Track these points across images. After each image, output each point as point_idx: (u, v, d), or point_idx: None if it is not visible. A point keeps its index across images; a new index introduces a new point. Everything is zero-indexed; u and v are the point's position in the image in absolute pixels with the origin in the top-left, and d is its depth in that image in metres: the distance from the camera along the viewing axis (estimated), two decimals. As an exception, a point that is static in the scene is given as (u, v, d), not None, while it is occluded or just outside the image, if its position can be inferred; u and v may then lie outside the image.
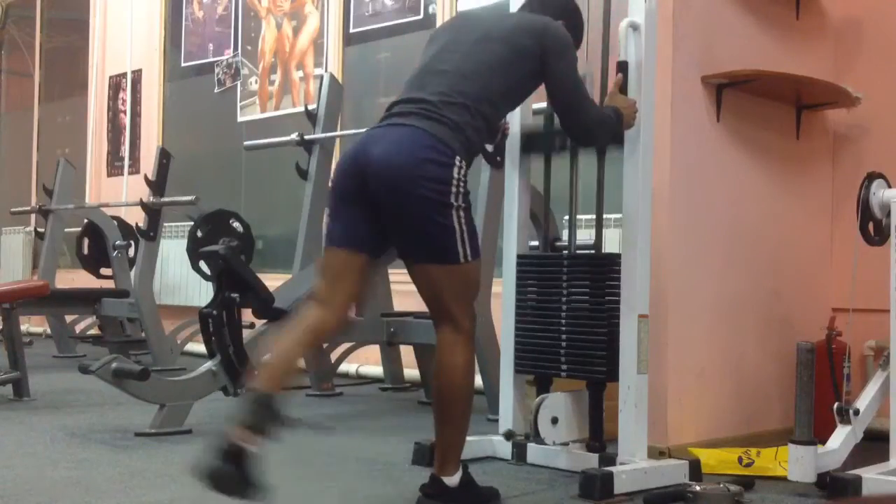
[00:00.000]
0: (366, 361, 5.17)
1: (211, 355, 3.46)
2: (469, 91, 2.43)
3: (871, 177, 2.95)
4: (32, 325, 7.75)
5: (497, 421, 3.12)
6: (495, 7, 2.93)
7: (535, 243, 3.14)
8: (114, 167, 7.72)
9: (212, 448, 2.11)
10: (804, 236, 3.74)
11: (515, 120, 3.03)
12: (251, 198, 6.50)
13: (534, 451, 2.99)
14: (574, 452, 2.88)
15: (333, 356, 4.78)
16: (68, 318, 6.46)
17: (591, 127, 2.62)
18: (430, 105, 2.40)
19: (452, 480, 2.44)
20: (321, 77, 4.98)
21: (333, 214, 2.48)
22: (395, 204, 2.35)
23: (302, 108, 5.02)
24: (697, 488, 2.58)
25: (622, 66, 2.81)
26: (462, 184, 2.37)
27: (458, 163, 2.36)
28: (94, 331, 6.45)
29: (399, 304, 4.53)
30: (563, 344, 2.90)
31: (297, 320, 2.41)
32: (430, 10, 5.40)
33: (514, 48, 2.50)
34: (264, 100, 6.47)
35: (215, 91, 6.80)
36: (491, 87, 2.47)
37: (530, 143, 3.07)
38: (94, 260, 6.31)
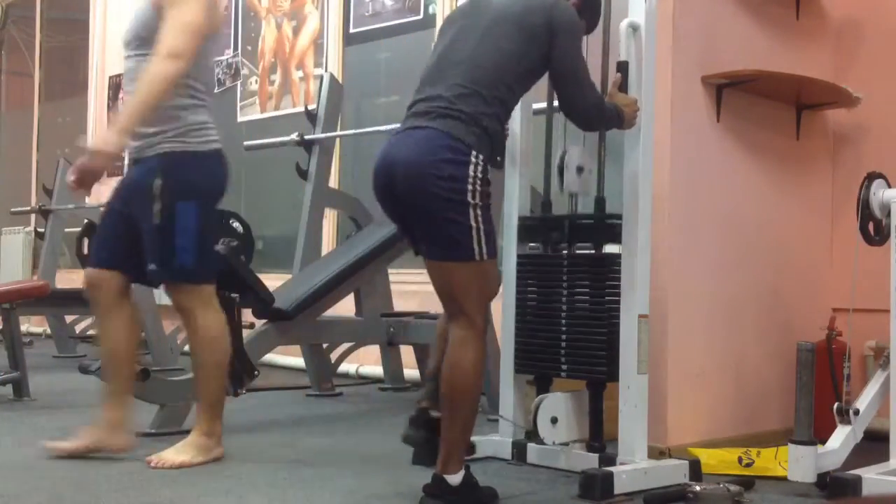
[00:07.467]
0: (366, 361, 5.17)
1: (211, 355, 3.45)
2: (483, 79, 2.47)
3: (871, 177, 2.94)
4: (32, 325, 7.75)
5: (497, 421, 3.12)
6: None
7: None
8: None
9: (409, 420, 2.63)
10: (804, 236, 3.74)
11: (516, 120, 3.03)
12: (251, 198, 6.49)
13: (534, 451, 2.99)
14: (574, 452, 2.88)
15: (333, 356, 4.78)
16: (68, 318, 6.45)
17: (588, 109, 2.63)
18: (444, 101, 2.45)
19: (455, 479, 2.44)
20: (321, 77, 4.98)
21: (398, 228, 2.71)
22: (415, 203, 2.42)
23: (302, 108, 5.02)
24: (697, 488, 2.57)
25: (622, 67, 2.81)
26: (479, 181, 2.40)
27: (474, 159, 2.40)
28: (94, 331, 6.44)
29: (399, 304, 4.52)
30: (563, 344, 2.90)
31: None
32: (430, 10, 5.41)
33: (526, 28, 2.52)
34: (264, 100, 6.47)
35: (215, 91, 6.80)
36: (505, 70, 2.50)
37: (527, 231, 3.07)
38: (95, 260, 6.28)
